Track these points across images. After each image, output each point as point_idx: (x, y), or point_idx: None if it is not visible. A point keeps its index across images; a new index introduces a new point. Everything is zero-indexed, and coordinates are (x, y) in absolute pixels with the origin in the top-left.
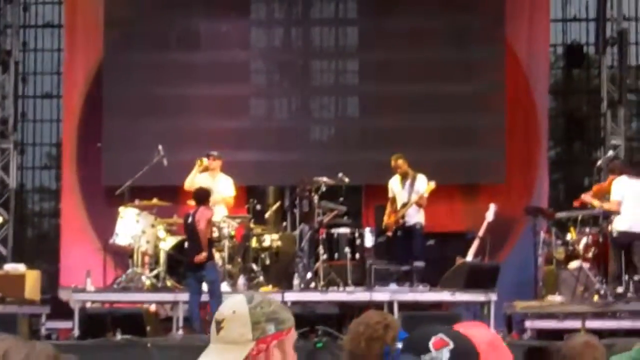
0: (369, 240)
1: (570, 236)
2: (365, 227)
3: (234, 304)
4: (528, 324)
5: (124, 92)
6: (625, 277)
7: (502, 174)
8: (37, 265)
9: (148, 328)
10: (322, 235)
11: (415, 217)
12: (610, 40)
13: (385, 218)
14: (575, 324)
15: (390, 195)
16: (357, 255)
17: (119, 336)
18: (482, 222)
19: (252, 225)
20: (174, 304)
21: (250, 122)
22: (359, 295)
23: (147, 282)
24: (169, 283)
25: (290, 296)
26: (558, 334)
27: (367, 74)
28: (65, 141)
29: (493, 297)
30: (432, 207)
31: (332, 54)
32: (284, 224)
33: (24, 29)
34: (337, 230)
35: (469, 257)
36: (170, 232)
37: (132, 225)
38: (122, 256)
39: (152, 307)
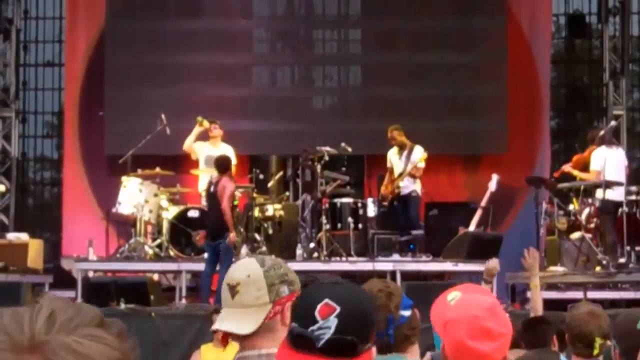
0: (371, 210)
1: (572, 207)
2: (368, 196)
3: (247, 268)
4: (530, 294)
5: (126, 60)
6: (627, 248)
7: (504, 143)
8: (38, 235)
9: (152, 297)
10: (325, 205)
11: (411, 187)
12: (612, 10)
13: (382, 189)
14: (577, 294)
15: (388, 165)
16: (360, 225)
17: (122, 305)
18: (483, 192)
19: (254, 194)
20: (177, 273)
21: (253, 91)
22: (362, 265)
23: (150, 252)
24: (171, 252)
25: (293, 266)
26: (560, 305)
27: (370, 43)
28: (67, 110)
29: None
30: (434, 177)
31: (334, 23)
32: (287, 193)
33: None
34: (339, 200)
35: (472, 227)
36: (173, 201)
37: (135, 195)
38: (124, 225)
39: (155, 277)
